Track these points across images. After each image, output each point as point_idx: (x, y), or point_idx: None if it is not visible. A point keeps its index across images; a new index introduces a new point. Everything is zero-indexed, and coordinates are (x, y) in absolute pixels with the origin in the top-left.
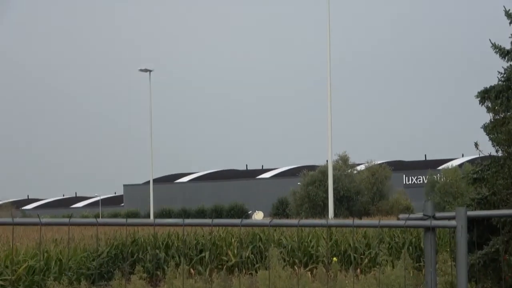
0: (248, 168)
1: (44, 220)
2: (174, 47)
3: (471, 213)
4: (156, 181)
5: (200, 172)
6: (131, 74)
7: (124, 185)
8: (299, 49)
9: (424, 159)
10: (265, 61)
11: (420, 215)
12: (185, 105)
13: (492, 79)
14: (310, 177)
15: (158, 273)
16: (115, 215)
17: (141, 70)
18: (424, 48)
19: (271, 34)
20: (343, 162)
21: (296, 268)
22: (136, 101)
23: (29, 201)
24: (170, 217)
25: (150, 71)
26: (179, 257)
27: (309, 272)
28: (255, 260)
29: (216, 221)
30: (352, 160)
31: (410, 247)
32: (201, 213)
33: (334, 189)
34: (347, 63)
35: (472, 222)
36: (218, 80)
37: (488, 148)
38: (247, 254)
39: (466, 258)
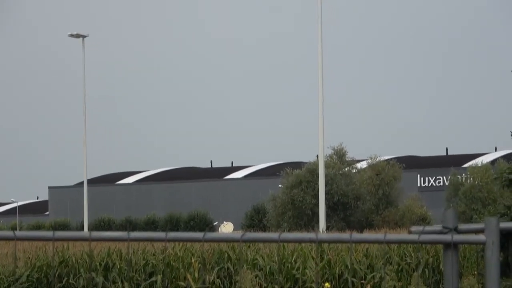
0: (213, 166)
1: None
2: (120, 8)
3: (505, 224)
4: (91, 182)
5: (149, 170)
6: (59, 41)
7: (50, 188)
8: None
9: (445, 154)
10: (235, 34)
11: (438, 227)
12: (130, 84)
13: None
14: (295, 177)
15: None
16: (38, 227)
17: (71, 35)
18: (445, 19)
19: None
20: (338, 158)
21: None
22: (65, 76)
23: None
24: (110, 229)
25: (83, 37)
26: (122, 283)
27: None
28: (222, 286)
29: (172, 235)
30: (350, 155)
31: (426, 270)
32: (151, 224)
33: (327, 193)
34: (344, 39)
35: (507, 237)
36: (175, 54)
37: None
38: (211, 279)
39: (499, 284)
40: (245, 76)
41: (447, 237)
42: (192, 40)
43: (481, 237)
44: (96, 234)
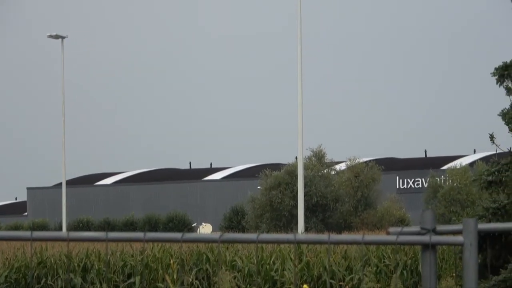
0: (192, 167)
1: None
2: (98, 7)
3: (484, 226)
4: (70, 183)
5: (128, 172)
6: (38, 41)
7: (28, 189)
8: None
9: (423, 156)
10: (214, 34)
11: (417, 228)
12: (108, 84)
13: None
14: (274, 178)
15: None
16: (16, 227)
17: (50, 36)
18: (424, 15)
19: None
20: (317, 160)
21: None
22: (43, 77)
23: None
24: (89, 230)
25: (62, 37)
26: (101, 284)
27: None
28: (200, 287)
29: (150, 235)
30: (329, 156)
31: (404, 271)
32: (129, 225)
33: (306, 195)
34: (323, 40)
35: (485, 239)
36: (152, 54)
37: (507, 142)
38: (190, 280)
39: (477, 285)
40: (224, 77)
41: (425, 238)
42: (170, 41)
43: (459, 238)
44: (74, 234)
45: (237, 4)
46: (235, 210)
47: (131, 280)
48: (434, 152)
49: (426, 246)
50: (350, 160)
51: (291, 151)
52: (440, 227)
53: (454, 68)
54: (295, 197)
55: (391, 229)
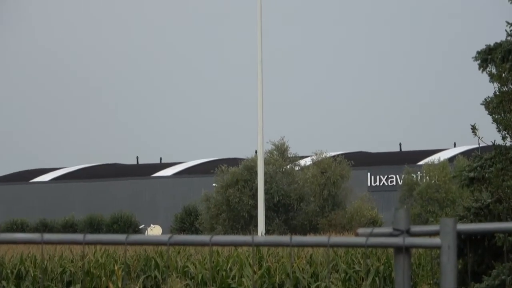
0: (139, 163)
1: None
2: None
3: (464, 226)
4: (3, 180)
5: (67, 167)
6: None
7: None
8: None
9: (398, 150)
10: (169, 23)
11: (388, 229)
12: (47, 75)
13: (498, 34)
14: (231, 175)
15: None
16: None
17: None
18: (397, 4)
19: None
20: (279, 154)
21: None
22: None
23: None
24: (23, 231)
25: None
26: None
27: None
28: None
29: (91, 237)
30: (293, 150)
31: (376, 278)
32: (69, 227)
33: (266, 193)
34: (287, 27)
35: (466, 242)
36: (91, 36)
37: (491, 134)
38: None
39: None
40: (176, 65)
41: (398, 240)
42: (121, 33)
43: (436, 240)
44: (6, 236)
45: None
46: (188, 210)
47: None
48: (409, 146)
49: (399, 249)
50: (316, 154)
51: (250, 145)
52: (415, 228)
53: (432, 53)
54: (254, 196)
55: (361, 230)
